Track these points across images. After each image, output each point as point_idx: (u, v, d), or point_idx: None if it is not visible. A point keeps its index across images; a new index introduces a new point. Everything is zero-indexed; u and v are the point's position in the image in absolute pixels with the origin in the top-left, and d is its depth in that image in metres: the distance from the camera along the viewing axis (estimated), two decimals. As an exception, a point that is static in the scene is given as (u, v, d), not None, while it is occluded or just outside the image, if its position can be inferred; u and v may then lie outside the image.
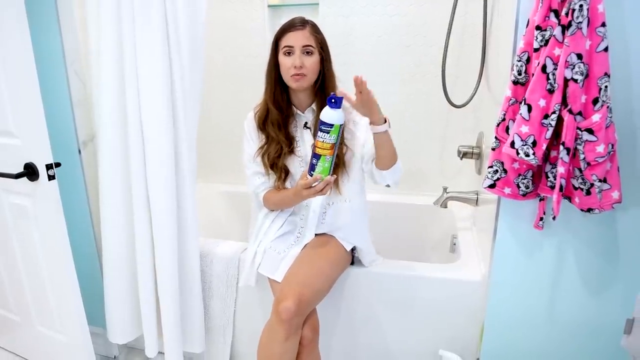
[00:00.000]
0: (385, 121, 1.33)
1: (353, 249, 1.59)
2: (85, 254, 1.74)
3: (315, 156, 1.25)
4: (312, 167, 1.27)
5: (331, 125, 1.21)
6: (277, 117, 1.48)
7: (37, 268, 1.59)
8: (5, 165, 1.46)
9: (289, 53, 1.40)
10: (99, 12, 1.40)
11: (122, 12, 1.38)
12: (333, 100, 1.20)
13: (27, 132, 1.40)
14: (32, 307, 1.71)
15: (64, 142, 1.61)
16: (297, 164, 1.52)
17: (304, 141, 1.52)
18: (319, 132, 1.23)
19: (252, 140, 1.55)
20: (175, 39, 1.40)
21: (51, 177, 1.40)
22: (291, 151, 1.50)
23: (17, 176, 1.40)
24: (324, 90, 1.47)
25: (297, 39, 1.39)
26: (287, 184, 1.53)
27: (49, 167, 1.39)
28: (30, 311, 1.72)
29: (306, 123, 1.51)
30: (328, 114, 1.21)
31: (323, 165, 1.26)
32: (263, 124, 1.50)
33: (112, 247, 1.60)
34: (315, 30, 1.43)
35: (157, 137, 1.44)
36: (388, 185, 1.53)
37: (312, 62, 1.40)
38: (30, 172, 1.41)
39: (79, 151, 1.63)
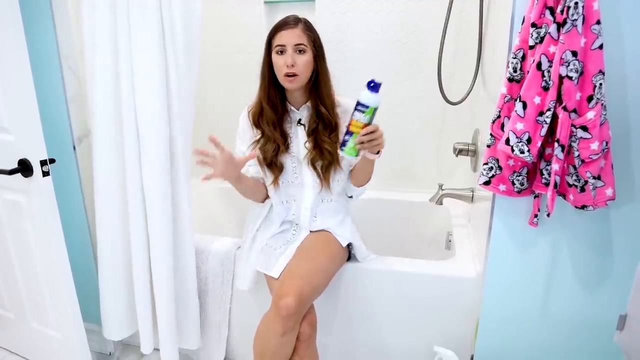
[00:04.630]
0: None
1: (349, 245, 1.59)
2: (80, 250, 1.73)
3: (349, 133, 1.28)
4: (343, 143, 1.30)
5: (367, 107, 1.25)
6: (271, 116, 1.48)
7: (32, 265, 1.58)
8: (-1, 161, 1.46)
9: (281, 52, 1.40)
10: (94, 6, 1.39)
11: (117, 6, 1.37)
12: (372, 85, 1.24)
13: (21, 128, 1.40)
14: (27, 304, 1.70)
15: (59, 138, 1.60)
16: (290, 161, 1.52)
17: (298, 137, 1.52)
18: (355, 111, 1.26)
19: (244, 136, 1.56)
20: (171, 34, 1.39)
21: (45, 174, 1.39)
22: (286, 148, 1.51)
23: (11, 172, 1.39)
24: (317, 89, 1.46)
25: (289, 37, 1.38)
26: (279, 180, 1.55)
27: (43, 163, 1.38)
28: (24, 308, 1.72)
29: (300, 120, 1.51)
30: (365, 96, 1.25)
31: (354, 142, 1.29)
32: (258, 120, 1.50)
33: (107, 243, 1.60)
34: (308, 28, 1.42)
35: (152, 132, 1.44)
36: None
37: (304, 61, 1.40)
38: (24, 168, 1.40)
39: (74, 147, 1.63)
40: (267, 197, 1.61)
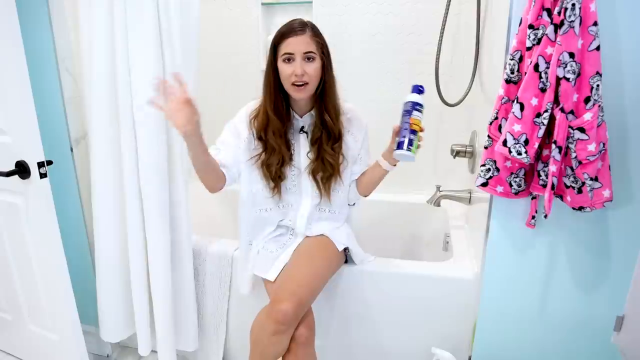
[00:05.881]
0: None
1: (346, 249, 1.58)
2: (77, 252, 1.73)
3: (413, 132, 1.34)
4: (410, 142, 1.34)
5: (423, 106, 1.36)
6: (278, 126, 1.42)
7: (29, 266, 1.58)
8: (-4, 163, 1.45)
9: (288, 60, 1.33)
10: (91, 7, 1.39)
11: (114, 7, 1.37)
12: (420, 88, 1.36)
13: (18, 129, 1.39)
14: (24, 306, 1.70)
15: (56, 139, 1.59)
16: (289, 169, 1.50)
17: (299, 145, 1.49)
18: (415, 111, 1.35)
19: (236, 131, 1.47)
20: (168, 34, 1.39)
21: (43, 175, 1.39)
22: (290, 159, 1.47)
23: (8, 174, 1.39)
24: (323, 98, 1.41)
25: (297, 45, 1.31)
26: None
27: (40, 165, 1.38)
28: (22, 310, 1.71)
29: (303, 127, 1.48)
30: (419, 97, 1.36)
31: (418, 141, 1.35)
32: (263, 132, 1.44)
33: (105, 245, 1.60)
34: (316, 34, 1.36)
35: (149, 134, 1.43)
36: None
37: (313, 69, 1.34)
38: (21, 170, 1.40)
39: (71, 149, 1.62)
40: (221, 188, 1.46)
